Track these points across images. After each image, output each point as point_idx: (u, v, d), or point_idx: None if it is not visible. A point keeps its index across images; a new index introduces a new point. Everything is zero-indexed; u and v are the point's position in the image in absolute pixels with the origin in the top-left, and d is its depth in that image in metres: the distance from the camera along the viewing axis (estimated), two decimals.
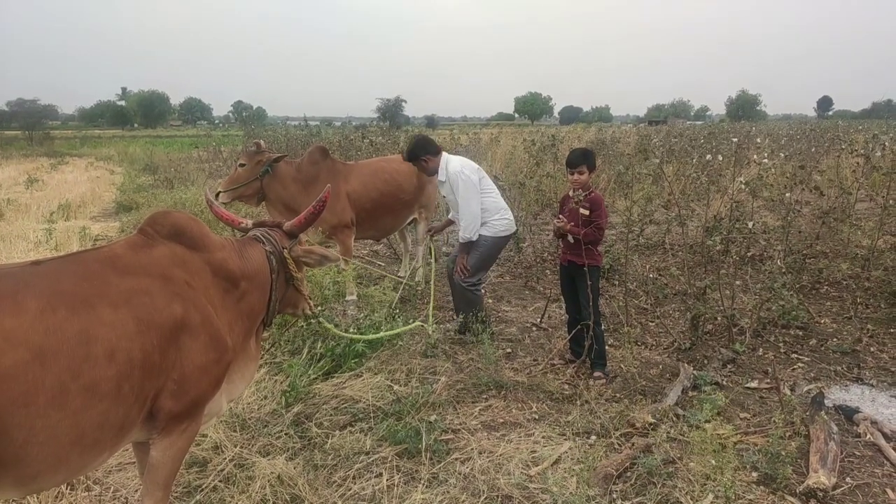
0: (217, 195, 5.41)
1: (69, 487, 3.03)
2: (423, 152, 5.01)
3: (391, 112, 72.07)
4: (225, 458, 3.26)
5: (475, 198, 4.80)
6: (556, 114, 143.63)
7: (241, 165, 5.65)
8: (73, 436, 1.96)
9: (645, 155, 9.76)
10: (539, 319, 5.64)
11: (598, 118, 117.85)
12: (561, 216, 4.46)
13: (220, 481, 3.10)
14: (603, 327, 4.60)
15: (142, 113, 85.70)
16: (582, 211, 4.27)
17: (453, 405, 3.94)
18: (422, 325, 4.67)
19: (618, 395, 4.13)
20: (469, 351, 4.82)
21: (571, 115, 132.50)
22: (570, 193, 4.47)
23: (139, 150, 28.07)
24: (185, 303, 2.31)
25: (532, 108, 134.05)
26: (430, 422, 3.59)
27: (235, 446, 3.37)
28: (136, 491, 3.06)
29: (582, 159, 4.36)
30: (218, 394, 2.54)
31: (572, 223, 4.32)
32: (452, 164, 4.93)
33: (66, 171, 21.76)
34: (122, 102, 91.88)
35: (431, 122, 75.57)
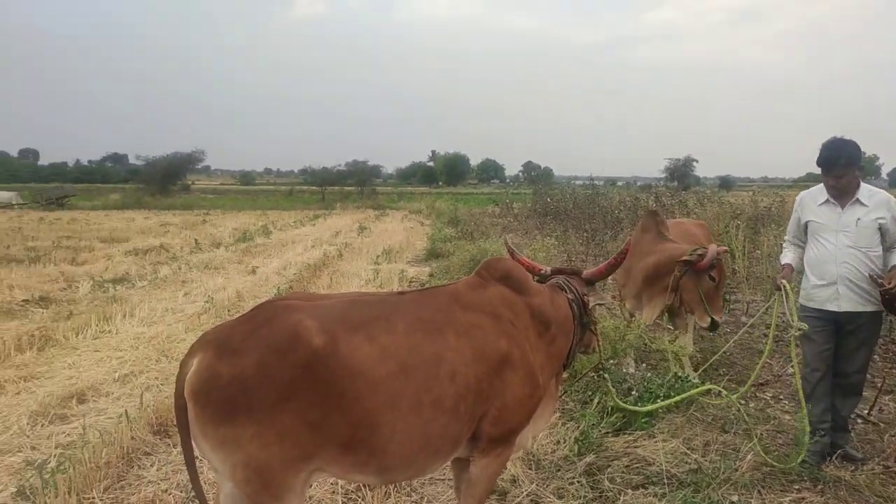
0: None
1: (395, 490, 3.54)
2: (858, 161, 3.83)
3: (680, 172, 69.02)
4: (522, 493, 3.49)
5: None
6: (884, 175, 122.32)
7: None
8: (422, 441, 2.34)
9: None
10: (867, 411, 4.86)
11: None
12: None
13: None
14: None
15: (446, 172, 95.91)
16: None
17: (759, 489, 3.63)
18: (718, 391, 4.29)
19: None
20: (777, 435, 4.39)
21: None
22: None
23: (444, 205, 31.48)
24: (510, 340, 2.60)
25: None
26: (733, 501, 3.37)
27: (531, 483, 3.59)
28: None
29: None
30: (525, 428, 2.78)
31: None
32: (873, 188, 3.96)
33: (387, 221, 25.49)
34: (431, 163, 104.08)
35: (726, 182, 70.43)
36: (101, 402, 4.96)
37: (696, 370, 5.45)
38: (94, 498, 3.47)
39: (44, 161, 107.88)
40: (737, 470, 3.67)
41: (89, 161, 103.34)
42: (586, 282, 3.07)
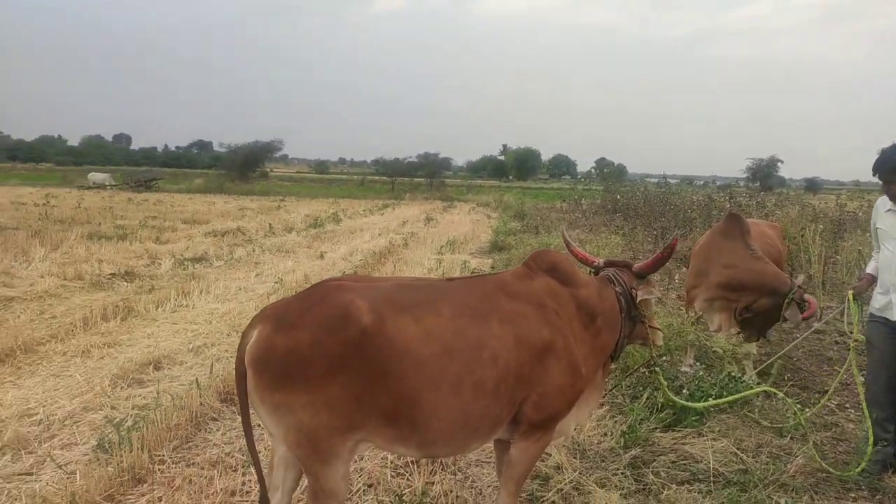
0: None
1: (441, 468, 3.67)
2: None
3: (763, 173, 65.95)
4: (564, 479, 3.54)
5: None
6: None
7: None
8: (461, 420, 2.45)
9: None
10: None
11: None
12: None
13: (558, 498, 3.39)
14: None
15: (516, 166, 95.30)
16: None
17: (810, 494, 3.53)
18: (773, 392, 4.15)
19: None
20: (838, 443, 4.24)
21: None
22: None
23: (512, 198, 31.44)
24: (553, 329, 2.66)
25: None
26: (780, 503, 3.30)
27: (574, 471, 3.63)
28: (489, 486, 3.55)
29: None
30: (568, 415, 2.83)
31: None
32: None
33: (454, 213, 25.69)
34: (502, 157, 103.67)
35: (812, 185, 66.79)
36: (175, 370, 5.34)
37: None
38: (163, 455, 3.76)
39: (136, 146, 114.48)
40: (784, 473, 3.60)
41: (177, 147, 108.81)
42: (636, 275, 3.07)
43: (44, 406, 4.47)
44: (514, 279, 2.78)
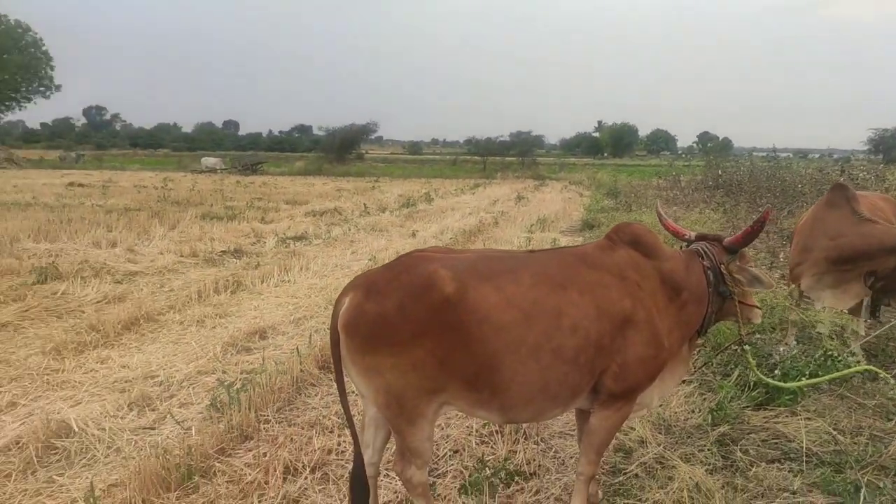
0: None
1: (525, 437, 3.77)
2: None
3: (887, 144, 60.42)
4: (648, 453, 3.55)
5: None
6: None
7: None
8: (541, 385, 2.53)
9: None
10: None
11: None
12: None
13: (641, 471, 3.40)
14: None
15: (612, 143, 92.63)
16: None
17: None
18: (875, 372, 3.91)
19: None
20: None
21: None
22: None
23: (606, 176, 30.69)
24: (635, 301, 2.68)
25: None
26: (878, 486, 3.15)
27: (658, 445, 3.63)
28: (571, 457, 3.61)
29: None
30: (650, 388, 2.84)
31: None
32: None
33: (546, 191, 25.44)
34: (597, 134, 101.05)
35: None
36: (278, 339, 5.74)
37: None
38: (268, 416, 4.10)
39: (243, 131, 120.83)
40: (883, 455, 3.41)
41: (280, 131, 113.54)
42: (727, 249, 3.00)
43: (164, 369, 4.96)
44: (596, 251, 2.82)
